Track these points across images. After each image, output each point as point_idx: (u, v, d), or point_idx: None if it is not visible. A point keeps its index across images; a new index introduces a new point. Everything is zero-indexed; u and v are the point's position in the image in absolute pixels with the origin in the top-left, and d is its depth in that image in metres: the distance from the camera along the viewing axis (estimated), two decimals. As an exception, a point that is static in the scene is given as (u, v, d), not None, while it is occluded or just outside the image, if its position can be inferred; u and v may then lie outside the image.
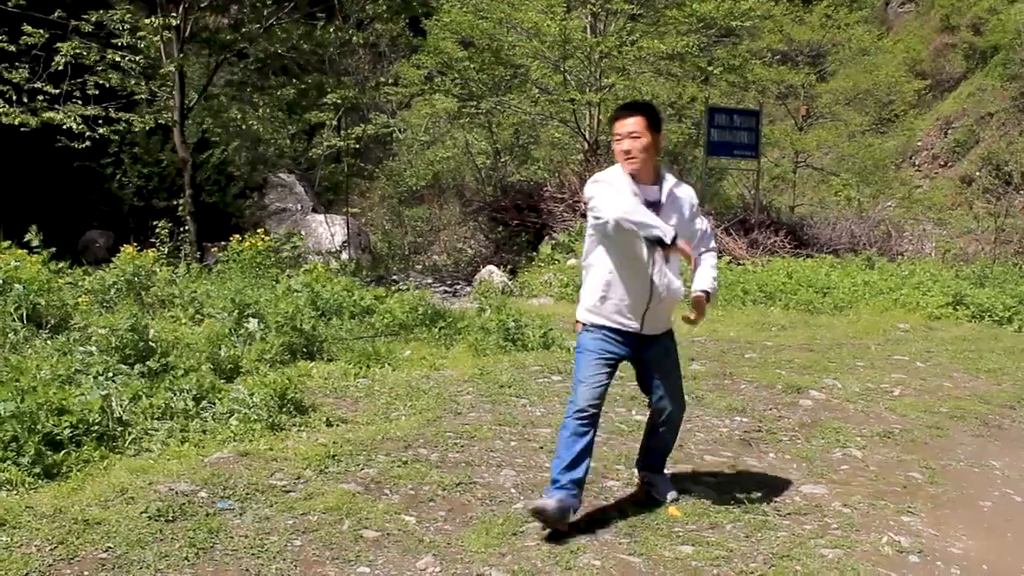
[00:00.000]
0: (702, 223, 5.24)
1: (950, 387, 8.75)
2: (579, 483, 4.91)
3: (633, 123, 4.91)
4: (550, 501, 4.75)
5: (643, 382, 5.34)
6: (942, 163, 27.88)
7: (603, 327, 5.07)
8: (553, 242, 17.84)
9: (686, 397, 7.44)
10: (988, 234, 20.66)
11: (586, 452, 4.95)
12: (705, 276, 5.15)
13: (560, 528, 4.75)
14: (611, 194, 4.86)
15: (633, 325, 5.04)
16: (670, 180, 5.04)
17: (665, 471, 5.54)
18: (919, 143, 28.67)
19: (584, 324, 5.15)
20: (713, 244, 5.29)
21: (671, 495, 5.34)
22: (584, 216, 5.17)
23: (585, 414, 4.95)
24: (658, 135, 4.99)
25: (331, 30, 19.74)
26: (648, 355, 5.18)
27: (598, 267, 5.07)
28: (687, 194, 5.11)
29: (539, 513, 4.73)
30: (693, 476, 5.79)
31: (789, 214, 22.12)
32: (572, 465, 4.88)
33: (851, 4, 29.71)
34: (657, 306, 5.02)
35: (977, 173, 25.48)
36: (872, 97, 25.90)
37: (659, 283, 4.98)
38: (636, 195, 4.89)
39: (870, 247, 18.68)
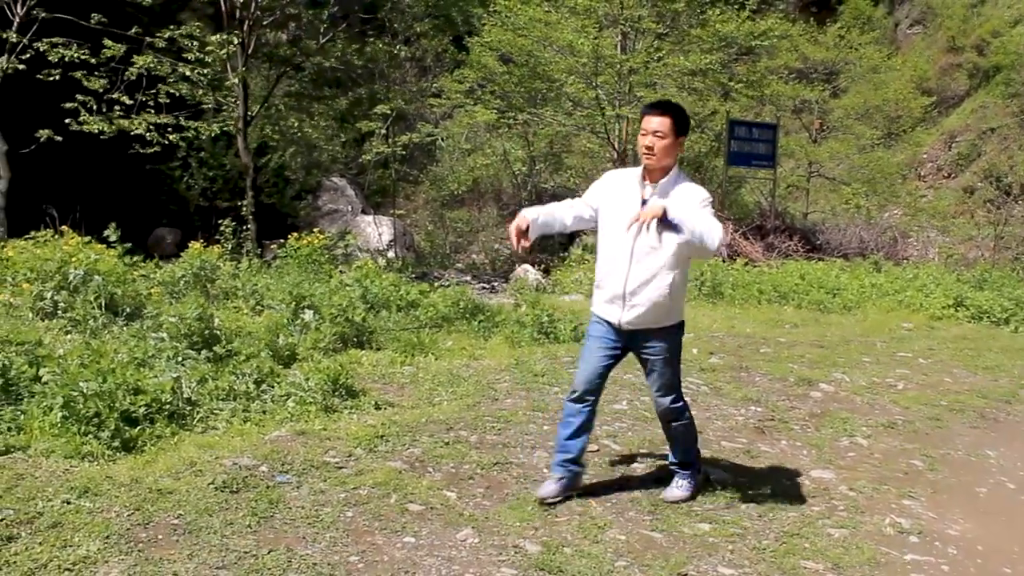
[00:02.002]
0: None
1: (950, 382, 8.71)
2: (572, 461, 4.95)
3: (660, 122, 4.63)
4: (549, 487, 4.91)
5: (645, 375, 5.06)
6: (946, 175, 27.59)
7: (597, 315, 4.91)
8: (583, 244, 17.85)
9: (705, 388, 7.48)
10: (988, 241, 20.49)
11: (580, 432, 4.94)
12: (684, 208, 4.50)
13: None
14: (596, 186, 4.92)
15: (613, 316, 4.81)
16: (672, 182, 4.69)
17: (682, 471, 5.14)
18: (925, 156, 28.38)
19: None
20: (708, 239, 4.45)
21: (670, 495, 5.07)
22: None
23: (575, 395, 4.93)
24: (681, 138, 4.72)
25: (380, 46, 19.84)
26: (638, 350, 4.90)
27: (598, 256, 4.94)
28: (683, 195, 4.62)
29: (542, 501, 4.86)
30: (711, 460, 5.81)
31: (802, 220, 22.01)
32: (564, 447, 4.95)
33: (863, 25, 29.48)
34: (632, 300, 4.71)
35: (979, 184, 25.20)
36: (881, 112, 25.70)
37: (633, 276, 4.68)
38: (637, 190, 4.73)
39: (877, 252, 18.57)
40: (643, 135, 4.69)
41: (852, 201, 23.39)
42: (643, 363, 4.95)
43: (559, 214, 4.91)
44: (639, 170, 4.78)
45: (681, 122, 4.71)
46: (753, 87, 20.79)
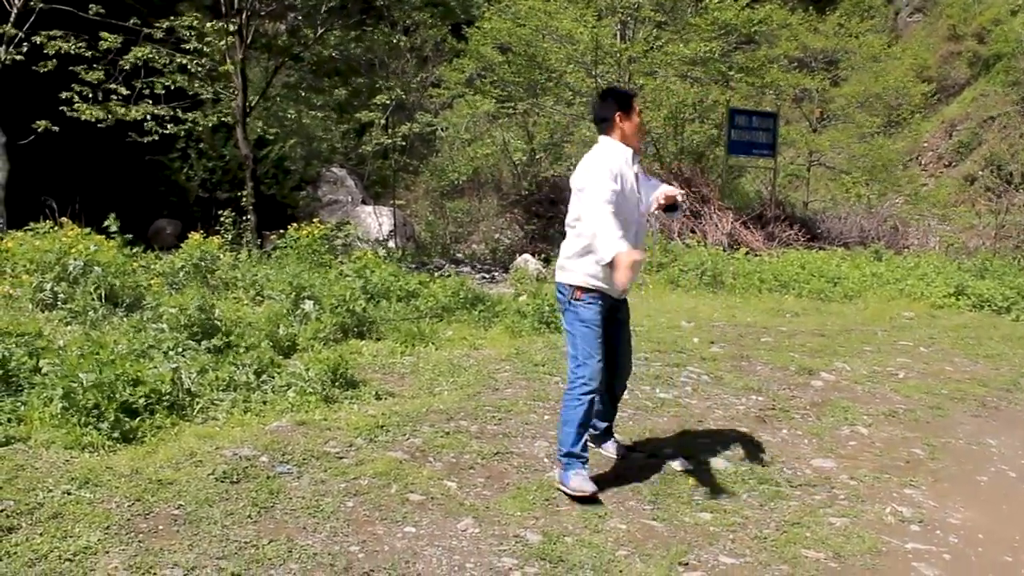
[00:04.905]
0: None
1: (951, 371, 8.70)
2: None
3: None
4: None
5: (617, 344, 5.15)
6: (947, 163, 27.53)
7: (598, 289, 4.83)
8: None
9: (706, 377, 7.47)
10: (989, 230, 20.40)
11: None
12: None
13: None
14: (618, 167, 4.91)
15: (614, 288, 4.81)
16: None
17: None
18: (925, 144, 28.31)
19: (586, 291, 4.83)
20: None
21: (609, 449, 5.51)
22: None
23: (594, 390, 4.86)
24: None
25: (379, 35, 19.79)
26: (615, 317, 5.09)
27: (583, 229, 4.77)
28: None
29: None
30: (713, 450, 5.81)
31: (803, 209, 21.95)
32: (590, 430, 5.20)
33: (863, 14, 29.39)
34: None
35: (979, 173, 25.13)
36: (882, 101, 25.60)
37: (638, 242, 4.96)
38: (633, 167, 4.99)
39: (878, 241, 18.51)
40: (639, 115, 5.07)
41: (852, 190, 23.33)
42: (617, 331, 5.12)
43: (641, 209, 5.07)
44: (629, 151, 5.00)
45: None
46: (752, 73, 20.70)
